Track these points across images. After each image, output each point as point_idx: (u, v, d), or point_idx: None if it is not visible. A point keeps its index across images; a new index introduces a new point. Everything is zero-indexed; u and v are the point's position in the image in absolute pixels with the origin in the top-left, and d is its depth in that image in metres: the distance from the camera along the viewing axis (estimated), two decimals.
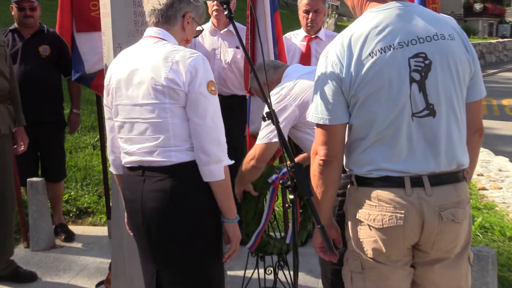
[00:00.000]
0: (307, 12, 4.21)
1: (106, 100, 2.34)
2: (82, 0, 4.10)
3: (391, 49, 1.90)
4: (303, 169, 2.02)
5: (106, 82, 2.31)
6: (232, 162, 2.20)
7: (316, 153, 2.03)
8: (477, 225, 5.01)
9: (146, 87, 2.11)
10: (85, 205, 5.39)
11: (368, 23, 1.95)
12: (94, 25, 4.06)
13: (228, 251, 2.29)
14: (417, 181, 1.93)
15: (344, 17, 29.56)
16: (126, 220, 2.47)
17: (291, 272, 2.23)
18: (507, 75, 24.37)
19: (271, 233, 3.43)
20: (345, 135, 2.04)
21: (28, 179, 4.36)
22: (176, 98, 2.09)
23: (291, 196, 2.07)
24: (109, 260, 3.64)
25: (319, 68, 2.03)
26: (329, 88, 1.97)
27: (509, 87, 18.93)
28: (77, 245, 4.54)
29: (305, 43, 4.28)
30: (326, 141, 2.00)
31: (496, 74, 24.77)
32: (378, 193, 1.96)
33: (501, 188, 6.81)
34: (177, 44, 2.22)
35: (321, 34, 4.29)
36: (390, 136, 1.94)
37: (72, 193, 5.56)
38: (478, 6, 41.09)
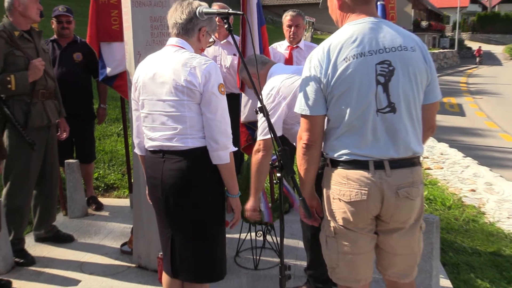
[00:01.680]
0: (290, 26, 4.22)
1: (133, 95, 2.34)
2: (104, 16, 4.06)
3: (362, 56, 1.90)
4: (288, 153, 2.01)
5: (134, 80, 2.30)
6: (236, 149, 2.21)
7: (301, 138, 2.03)
8: (424, 198, 5.04)
9: (168, 86, 2.11)
10: (111, 182, 5.38)
11: (345, 34, 1.95)
12: (113, 37, 4.06)
13: (232, 220, 2.30)
14: (379, 165, 1.93)
15: (318, 31, 29.53)
16: (147, 192, 2.45)
17: (278, 237, 2.22)
18: (447, 78, 24.52)
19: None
20: (324, 124, 2.03)
21: (65, 161, 4.35)
22: (193, 96, 2.09)
23: (278, 175, 2.06)
24: (131, 226, 3.64)
25: (304, 69, 2.03)
26: (311, 86, 1.97)
27: (448, 88, 19.03)
28: (105, 213, 4.53)
29: (288, 51, 4.29)
30: (308, 128, 2.01)
31: (439, 77, 24.84)
32: (347, 173, 1.96)
33: (442, 168, 6.87)
34: (194, 52, 2.22)
35: (301, 44, 4.30)
36: (358, 127, 1.93)
37: (100, 172, 5.54)
38: (424, 23, 41.23)
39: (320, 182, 2.14)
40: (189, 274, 2.28)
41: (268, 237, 3.57)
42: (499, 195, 5.70)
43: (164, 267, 2.37)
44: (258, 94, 2.13)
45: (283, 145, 2.04)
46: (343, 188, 1.96)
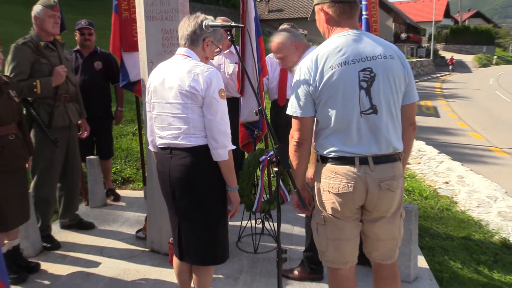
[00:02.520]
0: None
1: (147, 98, 2.34)
2: (127, 29, 4.04)
3: (346, 64, 1.90)
4: (285, 150, 2.00)
5: (147, 85, 2.31)
6: (234, 147, 2.20)
7: (292, 137, 2.03)
8: (403, 189, 5.04)
9: (175, 91, 2.11)
10: (127, 175, 5.36)
11: (330, 45, 1.95)
12: (135, 47, 4.01)
13: (231, 211, 2.30)
14: (364, 160, 1.93)
15: (310, 42, 29.52)
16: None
17: (275, 224, 2.21)
18: (423, 83, 24.50)
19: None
20: (313, 125, 2.03)
21: (87, 157, 4.34)
22: (196, 100, 2.09)
23: (276, 169, 2.06)
24: (145, 215, 3.63)
25: (295, 76, 2.02)
26: (301, 91, 1.97)
27: (424, 92, 19.03)
28: (122, 204, 4.51)
29: None
30: (299, 128, 2.00)
31: (416, 83, 24.80)
32: (336, 168, 1.95)
33: (419, 163, 6.88)
34: (199, 60, 2.21)
35: None
36: (345, 128, 1.93)
37: (118, 167, 5.53)
38: (403, 36, 41.25)
39: None
40: (195, 258, 2.29)
41: (266, 224, 3.56)
42: (470, 186, 5.71)
43: (174, 251, 2.37)
44: (257, 97, 2.12)
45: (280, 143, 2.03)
46: (332, 182, 1.96)
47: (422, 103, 15.51)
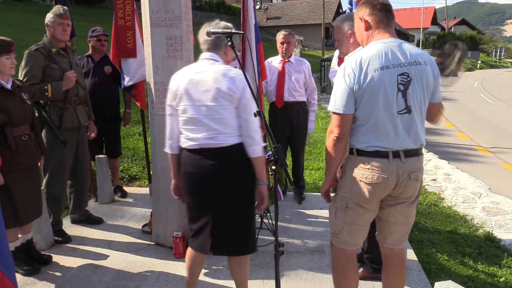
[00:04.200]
0: (282, 43, 4.17)
1: (171, 102, 2.27)
2: (122, 36, 4.01)
3: (387, 68, 1.97)
4: (281, 150, 1.99)
5: (173, 89, 2.24)
6: (265, 144, 2.18)
7: (331, 131, 2.08)
8: None
9: (211, 93, 2.11)
10: (134, 173, 5.35)
11: (373, 50, 2.01)
12: (128, 53, 4.03)
13: (261, 204, 2.27)
14: (396, 154, 2.01)
15: (306, 48, 29.46)
16: (172, 187, 2.40)
17: (273, 219, 2.20)
18: None
19: None
20: (351, 122, 2.08)
21: (96, 156, 4.32)
22: (232, 101, 2.11)
23: (274, 167, 2.05)
24: (151, 210, 3.63)
25: (338, 75, 2.06)
26: (344, 90, 2.01)
27: None
28: (129, 200, 4.50)
29: (281, 65, 4.23)
30: (339, 124, 2.04)
31: None
32: (371, 161, 2.02)
33: None
34: (224, 64, 2.22)
35: (292, 58, 4.23)
36: (382, 125, 2.00)
37: (125, 165, 5.52)
38: None
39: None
40: (231, 249, 2.26)
41: (265, 219, 3.55)
42: (456, 183, 5.70)
43: (195, 246, 2.31)
44: (256, 99, 2.10)
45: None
46: (366, 172, 2.03)
47: None
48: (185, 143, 2.23)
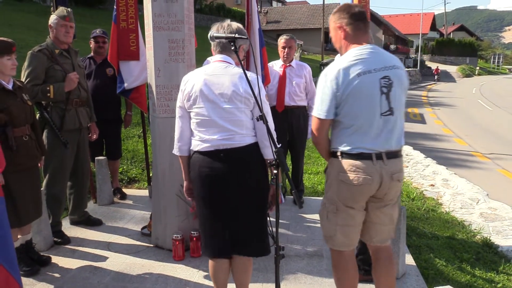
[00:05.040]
0: (284, 48, 4.19)
1: (183, 104, 2.24)
2: (124, 38, 4.02)
3: (369, 73, 2.04)
4: (283, 153, 2.00)
5: (187, 90, 2.21)
6: (280, 145, 2.16)
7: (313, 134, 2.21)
8: None
9: (228, 96, 2.12)
10: (133, 175, 5.35)
11: (354, 56, 2.07)
12: (131, 56, 4.03)
13: (273, 205, 2.26)
14: (379, 156, 2.08)
15: (305, 52, 29.51)
16: (185, 189, 2.36)
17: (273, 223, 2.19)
18: (410, 92, 24.52)
19: None
20: (329, 126, 2.17)
21: (96, 158, 4.32)
22: (248, 104, 2.14)
23: (275, 171, 2.05)
24: (150, 212, 3.62)
25: (320, 82, 2.13)
26: (327, 95, 2.08)
27: (412, 100, 19.09)
28: (128, 202, 4.50)
29: (282, 69, 4.24)
30: (318, 128, 2.15)
31: None
32: (356, 163, 2.08)
33: (407, 167, 6.90)
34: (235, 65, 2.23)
35: (292, 63, 4.25)
36: (366, 127, 2.06)
37: (124, 167, 5.52)
38: (392, 47, 41.42)
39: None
40: (249, 250, 2.24)
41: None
42: (454, 189, 5.73)
43: (214, 251, 2.28)
44: (258, 103, 2.10)
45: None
46: (352, 175, 2.08)
47: (410, 110, 15.56)
48: (198, 146, 2.19)
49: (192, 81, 2.22)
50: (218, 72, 2.17)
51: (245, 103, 2.12)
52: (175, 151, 2.31)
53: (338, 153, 2.13)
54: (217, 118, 2.13)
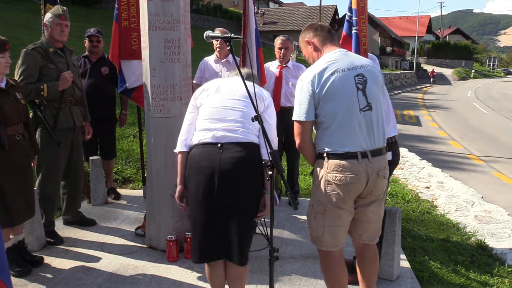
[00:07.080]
0: (280, 49, 4.19)
1: (194, 101, 2.32)
2: (126, 37, 4.01)
3: (343, 71, 2.14)
4: (278, 155, 1.99)
5: (206, 88, 2.32)
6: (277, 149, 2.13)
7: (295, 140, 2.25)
8: (388, 193, 5.05)
9: (242, 91, 2.20)
10: (128, 175, 5.33)
11: (327, 59, 2.19)
12: (133, 55, 4.01)
13: (263, 212, 2.18)
14: (364, 154, 2.12)
15: (301, 53, 29.60)
16: (177, 194, 2.23)
17: (267, 225, 2.17)
18: (406, 94, 24.71)
19: None
20: (312, 128, 2.22)
21: (90, 157, 4.30)
22: (260, 104, 2.20)
23: (270, 172, 2.03)
24: (144, 213, 3.61)
25: (297, 87, 2.21)
26: (305, 98, 2.15)
27: (407, 103, 19.17)
28: (122, 202, 4.48)
29: (278, 69, 4.25)
30: (300, 132, 2.20)
31: (400, 93, 25.07)
32: (342, 162, 2.11)
33: (402, 169, 6.91)
34: None
35: (289, 64, 4.26)
36: (347, 124, 2.11)
37: (119, 167, 5.49)
38: (389, 49, 41.58)
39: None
40: (241, 258, 2.16)
41: (259, 225, 3.54)
42: (449, 191, 5.74)
43: (209, 254, 2.19)
44: (254, 104, 2.09)
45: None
46: (339, 174, 2.11)
47: (405, 112, 15.62)
48: (200, 137, 2.15)
49: (215, 81, 2.38)
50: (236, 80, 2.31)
51: (259, 99, 2.20)
52: (178, 147, 2.24)
53: (324, 154, 2.15)
54: (226, 108, 2.19)
